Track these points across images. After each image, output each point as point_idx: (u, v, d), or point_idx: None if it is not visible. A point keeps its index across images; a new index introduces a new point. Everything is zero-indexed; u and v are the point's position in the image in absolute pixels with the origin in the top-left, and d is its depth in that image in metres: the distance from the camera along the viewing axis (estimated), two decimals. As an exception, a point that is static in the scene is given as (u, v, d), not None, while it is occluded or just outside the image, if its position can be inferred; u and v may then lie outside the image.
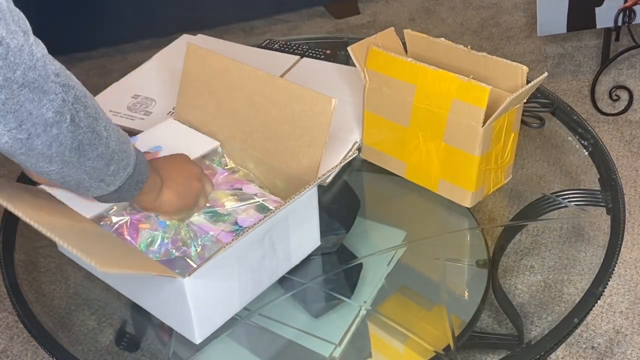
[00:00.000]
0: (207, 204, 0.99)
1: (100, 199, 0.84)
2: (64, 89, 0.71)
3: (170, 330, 0.96)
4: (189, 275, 0.83)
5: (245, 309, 0.96)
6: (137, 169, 0.84)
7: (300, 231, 0.99)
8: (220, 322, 0.93)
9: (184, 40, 1.49)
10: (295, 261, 1.01)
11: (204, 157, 1.07)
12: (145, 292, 0.94)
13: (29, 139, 0.70)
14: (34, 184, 0.99)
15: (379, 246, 1.09)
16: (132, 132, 1.11)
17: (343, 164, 1.15)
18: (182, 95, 1.14)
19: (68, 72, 0.74)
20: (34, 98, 0.68)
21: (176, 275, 0.83)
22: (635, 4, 2.20)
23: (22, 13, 0.68)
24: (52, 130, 0.71)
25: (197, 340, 0.91)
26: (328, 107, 0.96)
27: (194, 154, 1.04)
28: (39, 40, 0.70)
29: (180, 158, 0.99)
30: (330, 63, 1.40)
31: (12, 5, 0.67)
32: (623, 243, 1.02)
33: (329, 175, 1.12)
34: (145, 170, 0.86)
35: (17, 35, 0.66)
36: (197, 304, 0.87)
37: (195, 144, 1.08)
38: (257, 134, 1.04)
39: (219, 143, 1.09)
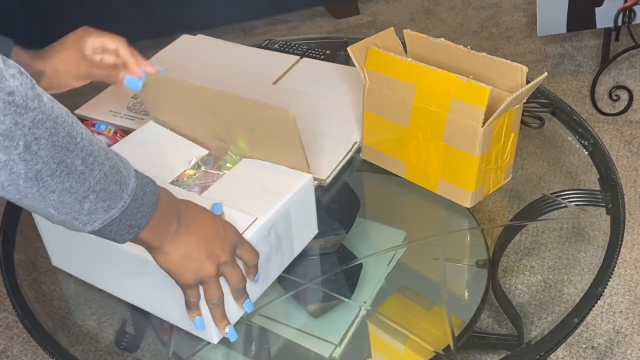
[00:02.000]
0: None
1: (90, 233, 0.74)
2: (17, 109, 0.61)
3: (170, 330, 0.96)
4: None
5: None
6: (130, 212, 0.73)
7: (301, 222, 0.99)
8: (235, 319, 0.93)
9: (184, 40, 1.50)
10: (298, 251, 1.02)
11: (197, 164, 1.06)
12: (155, 297, 0.93)
13: None
14: None
15: (379, 246, 1.09)
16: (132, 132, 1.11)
17: (343, 163, 1.16)
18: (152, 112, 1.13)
19: (35, 92, 0.64)
20: None
21: None
22: (635, 4, 2.20)
23: None
24: None
25: (215, 340, 0.90)
26: (288, 118, 0.94)
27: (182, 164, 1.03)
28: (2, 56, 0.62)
29: (220, 220, 0.86)
30: (330, 63, 1.40)
31: None
32: (623, 243, 1.02)
33: (329, 175, 1.12)
34: (146, 214, 0.75)
35: None
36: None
37: (181, 152, 1.06)
38: (240, 142, 1.03)
39: (207, 151, 1.07)
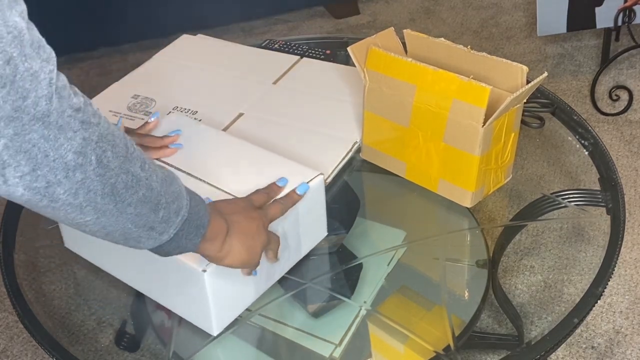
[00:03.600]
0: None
1: (159, 251, 0.75)
2: (83, 125, 0.62)
3: (170, 330, 0.96)
4: (208, 267, 0.85)
5: (246, 309, 0.96)
6: (194, 211, 0.74)
7: (310, 222, 0.99)
8: (236, 314, 0.94)
9: (184, 40, 1.50)
10: (305, 251, 1.02)
11: None
12: (160, 285, 0.94)
13: (48, 188, 0.60)
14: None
15: (379, 246, 1.09)
16: (132, 133, 1.11)
17: (343, 163, 1.15)
18: None
19: (94, 108, 0.65)
20: (48, 135, 0.59)
21: None
22: (635, 3, 2.20)
23: (49, 47, 0.61)
24: (75, 175, 0.61)
25: (215, 332, 0.92)
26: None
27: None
28: (61, 74, 0.62)
29: (244, 203, 0.88)
30: (330, 63, 1.40)
31: (35, 33, 0.60)
32: (623, 243, 1.02)
33: (329, 175, 1.12)
34: (204, 212, 0.76)
35: (31, 60, 0.58)
36: (216, 296, 0.88)
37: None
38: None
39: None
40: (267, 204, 0.92)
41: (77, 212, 0.64)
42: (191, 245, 0.76)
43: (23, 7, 0.60)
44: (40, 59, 0.59)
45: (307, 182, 0.97)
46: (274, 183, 0.96)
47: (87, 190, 0.63)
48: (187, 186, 0.77)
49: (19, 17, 0.58)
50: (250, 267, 0.87)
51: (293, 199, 0.94)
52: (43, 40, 0.61)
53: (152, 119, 1.08)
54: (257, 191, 0.93)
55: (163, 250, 0.74)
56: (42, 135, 0.58)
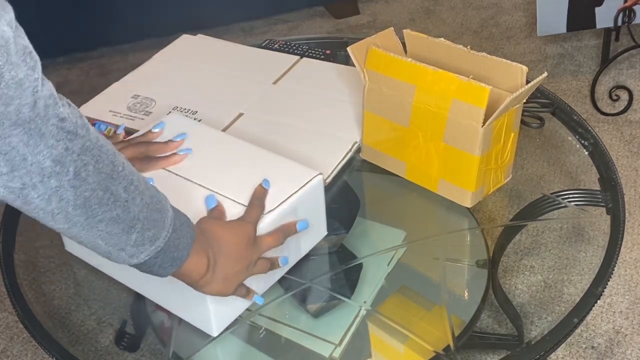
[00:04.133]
0: None
1: (135, 266, 0.75)
2: (68, 135, 0.63)
3: (170, 330, 0.96)
4: None
5: (245, 309, 0.96)
6: (173, 244, 0.74)
7: (309, 222, 0.99)
8: (235, 315, 0.93)
9: (184, 40, 1.50)
10: (305, 251, 1.01)
11: None
12: (160, 287, 0.94)
13: (23, 189, 0.62)
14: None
15: (379, 246, 1.09)
16: (132, 133, 1.11)
17: (343, 163, 1.15)
18: None
19: (83, 120, 0.65)
20: (28, 141, 0.60)
21: None
22: (635, 3, 2.20)
23: (35, 54, 0.62)
24: (50, 181, 0.62)
25: (215, 333, 0.91)
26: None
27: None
28: (49, 82, 0.63)
29: (242, 236, 0.86)
30: (330, 63, 1.40)
31: (22, 40, 0.60)
32: (623, 243, 1.02)
33: (329, 175, 1.12)
34: (186, 245, 0.76)
35: (17, 68, 0.59)
36: (215, 297, 0.88)
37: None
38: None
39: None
40: (264, 235, 0.90)
41: (49, 218, 0.65)
42: (164, 273, 0.76)
43: (11, 15, 0.60)
44: (26, 66, 0.60)
45: (306, 183, 0.97)
46: (261, 189, 0.94)
47: (59, 198, 0.64)
48: (180, 209, 0.77)
49: (6, 26, 0.58)
50: (223, 296, 0.86)
51: (290, 230, 0.93)
52: (30, 47, 0.61)
53: (156, 130, 1.06)
54: (251, 205, 0.91)
55: (136, 267, 0.75)
56: (21, 139, 0.60)
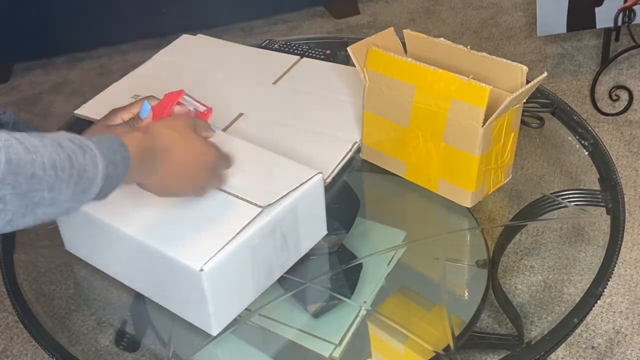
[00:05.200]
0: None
1: None
2: None
3: (170, 330, 0.96)
4: (206, 266, 0.85)
5: (245, 309, 0.96)
6: (106, 186, 0.76)
7: (309, 221, 0.99)
8: (235, 314, 0.94)
9: (184, 40, 1.50)
10: (304, 250, 1.02)
11: None
12: (159, 286, 0.94)
13: None
14: None
15: (379, 246, 1.09)
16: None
17: (343, 163, 1.15)
18: None
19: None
20: None
21: None
22: (635, 3, 2.20)
23: None
24: None
25: (214, 331, 0.91)
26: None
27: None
28: None
29: (183, 126, 0.89)
30: (330, 63, 1.40)
31: None
32: (623, 243, 1.02)
33: (329, 175, 1.12)
34: (120, 176, 0.78)
35: None
36: (214, 295, 0.88)
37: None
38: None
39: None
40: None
41: None
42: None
43: None
44: None
45: (306, 182, 0.97)
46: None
47: None
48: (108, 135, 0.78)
49: None
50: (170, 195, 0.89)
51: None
52: None
53: (144, 116, 1.02)
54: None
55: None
56: None
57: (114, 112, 1.00)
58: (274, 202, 0.93)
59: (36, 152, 0.68)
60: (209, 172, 0.90)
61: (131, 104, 1.00)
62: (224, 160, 0.93)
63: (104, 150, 0.76)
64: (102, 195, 0.76)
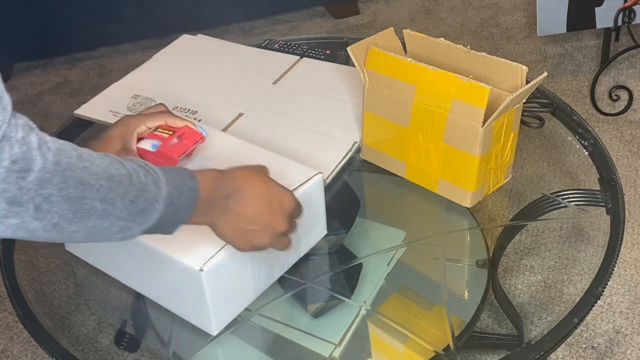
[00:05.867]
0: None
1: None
2: (19, 174, 0.60)
3: (170, 330, 0.96)
4: (205, 266, 0.85)
5: (245, 309, 0.96)
6: (169, 215, 0.74)
7: (308, 221, 0.99)
8: (235, 313, 0.94)
9: (184, 40, 1.50)
10: (304, 250, 1.02)
11: None
12: (159, 286, 0.94)
13: None
14: None
15: (379, 246, 1.09)
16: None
17: (343, 163, 1.16)
18: None
19: (44, 149, 0.63)
20: None
21: None
22: (635, 3, 2.20)
23: (8, 98, 0.61)
24: (9, 220, 0.62)
25: (214, 331, 0.91)
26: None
27: None
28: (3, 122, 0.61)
29: (264, 176, 0.86)
30: (330, 63, 1.40)
31: None
32: (623, 243, 1.02)
33: (329, 175, 1.12)
34: (187, 210, 0.76)
35: None
36: (214, 295, 0.88)
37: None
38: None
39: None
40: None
41: (25, 236, 0.64)
42: (166, 232, 0.76)
43: None
44: None
45: (306, 182, 0.97)
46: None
47: (25, 229, 0.63)
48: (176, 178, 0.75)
49: None
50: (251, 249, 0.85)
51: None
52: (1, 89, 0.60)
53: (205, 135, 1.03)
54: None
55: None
56: None
57: (127, 120, 0.96)
58: None
59: (91, 162, 0.67)
60: (285, 216, 0.85)
61: (146, 115, 0.98)
62: (298, 207, 0.88)
63: (170, 176, 0.74)
64: (165, 224, 0.73)
